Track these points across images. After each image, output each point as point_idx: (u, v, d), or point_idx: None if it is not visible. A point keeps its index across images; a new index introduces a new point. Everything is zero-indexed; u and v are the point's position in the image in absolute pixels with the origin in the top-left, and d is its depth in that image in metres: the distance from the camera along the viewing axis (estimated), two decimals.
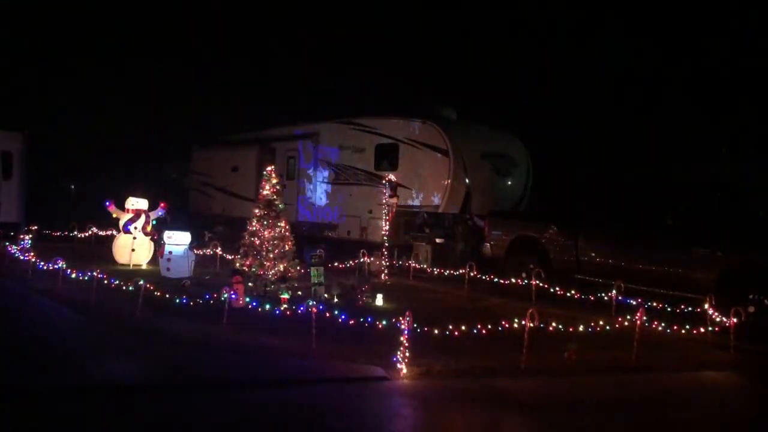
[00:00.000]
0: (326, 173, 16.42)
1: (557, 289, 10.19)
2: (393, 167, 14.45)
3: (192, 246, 12.57)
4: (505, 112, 20.69)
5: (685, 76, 23.65)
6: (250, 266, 10.72)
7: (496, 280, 11.41)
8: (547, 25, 28.24)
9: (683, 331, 8.14)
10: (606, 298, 9.39)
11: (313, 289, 10.37)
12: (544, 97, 24.65)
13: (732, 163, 18.20)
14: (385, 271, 13.12)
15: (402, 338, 6.52)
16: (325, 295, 10.26)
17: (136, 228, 13.45)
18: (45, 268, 10.76)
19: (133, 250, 13.29)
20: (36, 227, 15.43)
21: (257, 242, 10.83)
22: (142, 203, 13.67)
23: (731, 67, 22.65)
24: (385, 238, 13.47)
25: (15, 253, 12.45)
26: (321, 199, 16.55)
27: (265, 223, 10.87)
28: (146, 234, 13.55)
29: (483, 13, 29.66)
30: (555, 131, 22.31)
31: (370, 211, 14.96)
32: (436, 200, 13.86)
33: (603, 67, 25.35)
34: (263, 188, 11.17)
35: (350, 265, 13.10)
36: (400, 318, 6.61)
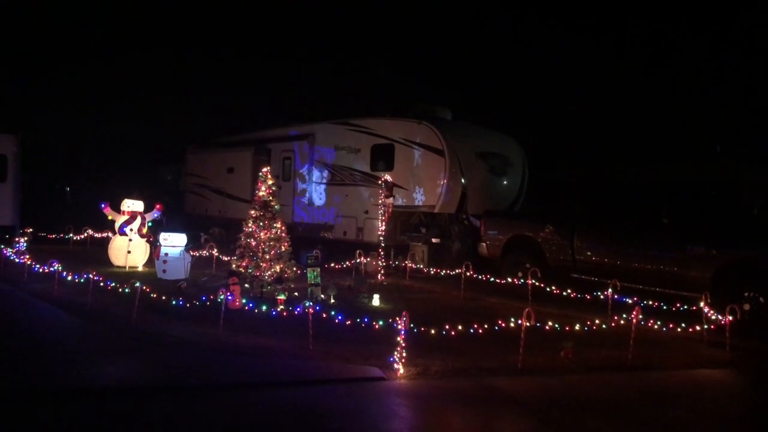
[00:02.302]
0: (322, 174, 16.41)
1: (553, 288, 10.21)
2: (389, 167, 14.46)
3: (188, 248, 12.56)
4: (500, 112, 20.73)
5: (680, 75, 23.73)
6: (246, 267, 10.72)
7: (492, 279, 11.42)
8: (543, 25, 28.31)
9: (679, 330, 8.16)
10: (602, 296, 9.40)
11: (309, 289, 10.37)
12: (539, 97, 24.69)
13: (726, 162, 18.27)
14: (382, 272, 13.13)
15: (399, 338, 6.53)
16: (322, 296, 10.26)
17: (131, 230, 13.43)
18: (41, 270, 10.74)
19: (128, 252, 13.27)
20: (31, 230, 15.40)
21: (253, 243, 10.83)
22: (137, 205, 13.65)
23: (727, 66, 22.73)
24: (381, 238, 13.47)
25: (10, 256, 12.41)
26: (317, 199, 16.54)
27: (261, 224, 10.87)
28: (142, 236, 13.54)
29: (479, 14, 29.70)
30: (550, 130, 22.36)
31: (367, 212, 14.97)
32: (432, 200, 13.86)
33: (600, 66, 25.41)
34: (259, 189, 11.17)
35: (347, 265, 13.10)
36: (397, 318, 6.62)
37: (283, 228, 11.17)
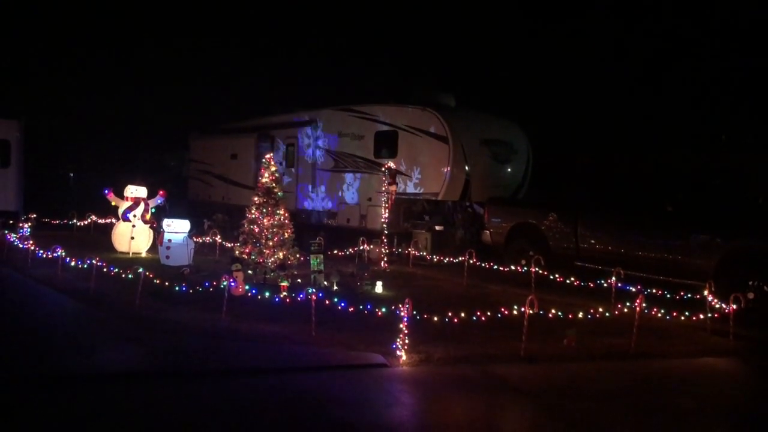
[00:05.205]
0: (325, 161, 16.37)
1: (556, 276, 10.18)
2: (392, 154, 14.40)
3: (191, 234, 12.56)
4: (504, 99, 20.62)
5: (686, 62, 23.55)
6: (249, 254, 10.72)
7: (495, 267, 11.40)
8: (546, 11, 28.08)
9: (682, 318, 8.15)
10: (605, 284, 9.38)
11: (312, 276, 10.37)
12: (543, 84, 24.55)
13: (731, 150, 18.17)
14: (385, 259, 13.12)
15: (401, 325, 6.53)
16: (325, 283, 10.27)
17: (135, 216, 13.45)
18: (44, 256, 10.75)
19: (132, 238, 13.30)
20: (35, 215, 15.42)
21: (256, 230, 10.82)
22: (141, 191, 13.66)
23: (733, 53, 22.55)
24: (384, 225, 13.45)
25: (14, 241, 12.44)
26: (320, 186, 16.51)
27: (264, 210, 10.85)
28: (145, 222, 13.55)
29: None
30: (555, 118, 22.24)
31: (370, 199, 14.94)
32: (436, 187, 13.82)
33: (604, 53, 25.22)
34: (262, 176, 11.14)
35: (350, 252, 13.10)
36: (400, 305, 6.61)
37: (286, 215, 11.15)
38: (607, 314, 7.61)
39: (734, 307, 7.90)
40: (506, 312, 7.27)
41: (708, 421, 5.51)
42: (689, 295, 8.63)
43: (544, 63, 25.62)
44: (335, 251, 12.94)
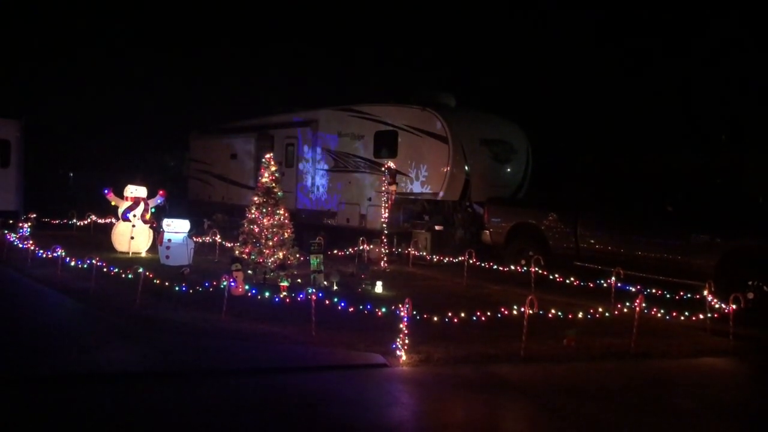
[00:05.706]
0: (325, 160, 16.37)
1: (556, 276, 10.18)
2: (392, 154, 14.40)
3: (191, 234, 12.56)
4: (504, 99, 20.62)
5: (686, 62, 23.55)
6: (249, 254, 10.72)
7: (495, 267, 11.40)
8: (546, 10, 28.09)
9: (682, 318, 8.15)
10: (605, 284, 9.38)
11: (312, 276, 10.37)
12: (544, 84, 24.55)
13: (732, 150, 18.17)
14: (385, 259, 13.12)
15: (401, 325, 6.53)
16: (325, 283, 10.27)
17: (135, 216, 13.44)
18: (44, 256, 10.75)
19: (132, 237, 13.29)
20: (35, 215, 15.42)
21: (256, 230, 10.82)
22: (140, 191, 13.65)
23: (732, 53, 22.56)
24: (384, 225, 13.45)
25: (14, 241, 12.44)
26: (320, 186, 16.51)
27: (264, 210, 10.85)
28: (145, 222, 13.55)
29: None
30: (555, 118, 22.25)
31: (370, 199, 14.94)
32: (436, 187, 13.82)
33: (604, 53, 25.24)
34: (262, 176, 11.14)
35: (350, 252, 13.10)
36: (400, 305, 6.61)
37: (286, 214, 11.15)
38: (607, 314, 7.61)
39: (734, 307, 7.89)
40: (506, 312, 7.27)
41: (708, 421, 5.51)
42: (689, 295, 8.63)
43: (545, 63, 25.64)
44: (335, 251, 12.94)
